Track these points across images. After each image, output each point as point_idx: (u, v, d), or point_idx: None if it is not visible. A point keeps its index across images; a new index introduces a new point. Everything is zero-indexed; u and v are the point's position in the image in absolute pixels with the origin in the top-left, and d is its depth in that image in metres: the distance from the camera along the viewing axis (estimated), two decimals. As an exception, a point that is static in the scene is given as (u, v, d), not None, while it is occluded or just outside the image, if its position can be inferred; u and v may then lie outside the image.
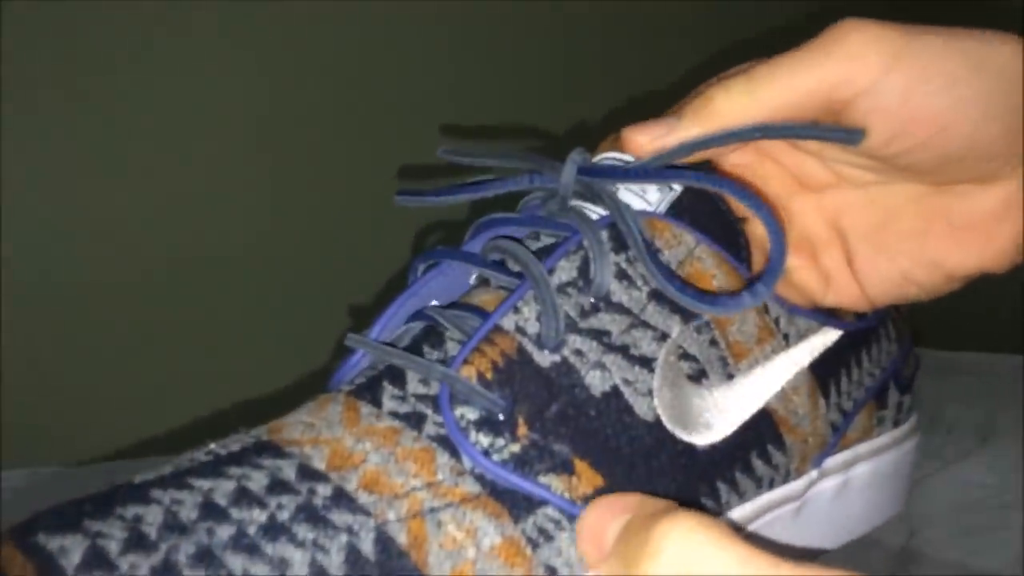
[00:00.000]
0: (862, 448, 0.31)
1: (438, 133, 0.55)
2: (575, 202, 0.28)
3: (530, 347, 0.24)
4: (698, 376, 0.26)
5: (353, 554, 0.20)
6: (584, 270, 0.26)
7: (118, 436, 0.40)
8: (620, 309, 0.25)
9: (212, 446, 0.24)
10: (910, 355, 0.34)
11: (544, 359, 0.24)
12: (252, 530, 0.20)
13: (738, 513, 0.26)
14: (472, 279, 0.29)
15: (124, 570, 0.19)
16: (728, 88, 0.27)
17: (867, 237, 0.30)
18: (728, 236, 0.28)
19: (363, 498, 0.22)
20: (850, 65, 0.26)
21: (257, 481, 0.22)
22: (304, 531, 0.21)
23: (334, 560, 0.20)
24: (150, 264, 0.46)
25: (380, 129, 0.55)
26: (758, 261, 0.30)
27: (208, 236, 0.48)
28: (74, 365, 0.45)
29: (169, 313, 0.47)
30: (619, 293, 0.26)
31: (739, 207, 0.29)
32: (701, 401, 0.26)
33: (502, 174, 0.30)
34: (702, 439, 0.25)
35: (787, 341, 0.28)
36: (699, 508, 0.25)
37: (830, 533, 0.31)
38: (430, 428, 0.23)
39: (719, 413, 0.26)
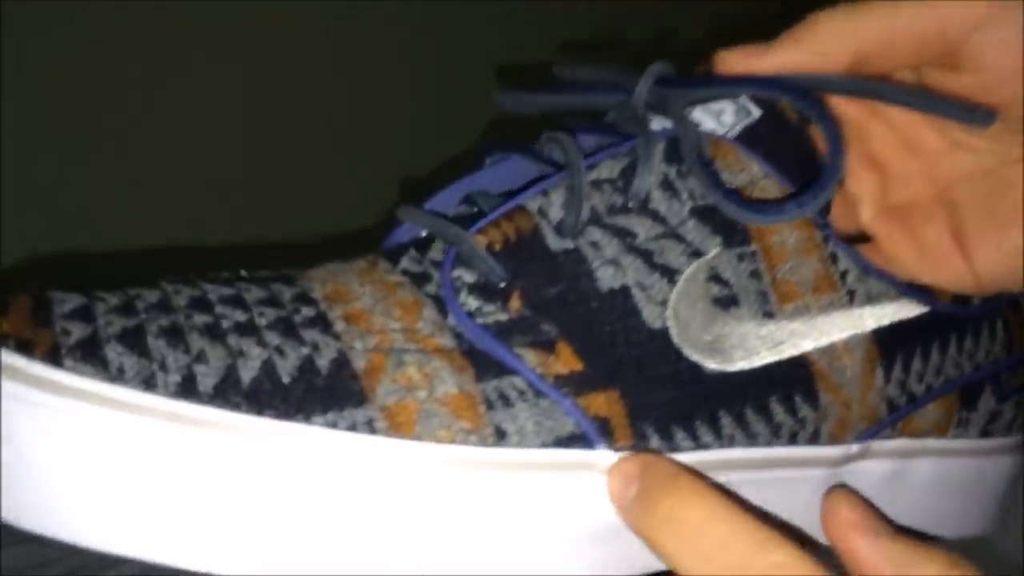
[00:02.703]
0: (931, 444, 0.28)
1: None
2: (648, 115, 0.27)
3: (546, 230, 0.24)
4: (727, 302, 0.24)
5: (307, 364, 0.21)
6: (628, 173, 0.25)
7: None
8: (654, 216, 0.24)
9: (243, 271, 0.26)
10: (1022, 368, 0.30)
11: (557, 243, 0.24)
12: (226, 324, 0.22)
13: (745, 454, 0.24)
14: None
15: (100, 324, 0.21)
16: (831, 13, 0.25)
17: (980, 209, 0.27)
18: (804, 174, 0.27)
19: (339, 326, 0.22)
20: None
21: (255, 295, 0.23)
22: (273, 337, 0.21)
23: (287, 365, 0.21)
24: (197, 108, 0.48)
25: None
26: (838, 216, 0.28)
27: (265, 87, 0.49)
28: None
29: (222, 160, 0.48)
30: (659, 201, 0.25)
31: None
32: (722, 328, 0.24)
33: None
34: (712, 364, 0.24)
35: (851, 299, 0.26)
36: (693, 433, 0.23)
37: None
38: (430, 287, 0.24)
39: (740, 345, 0.24)
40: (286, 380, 0.21)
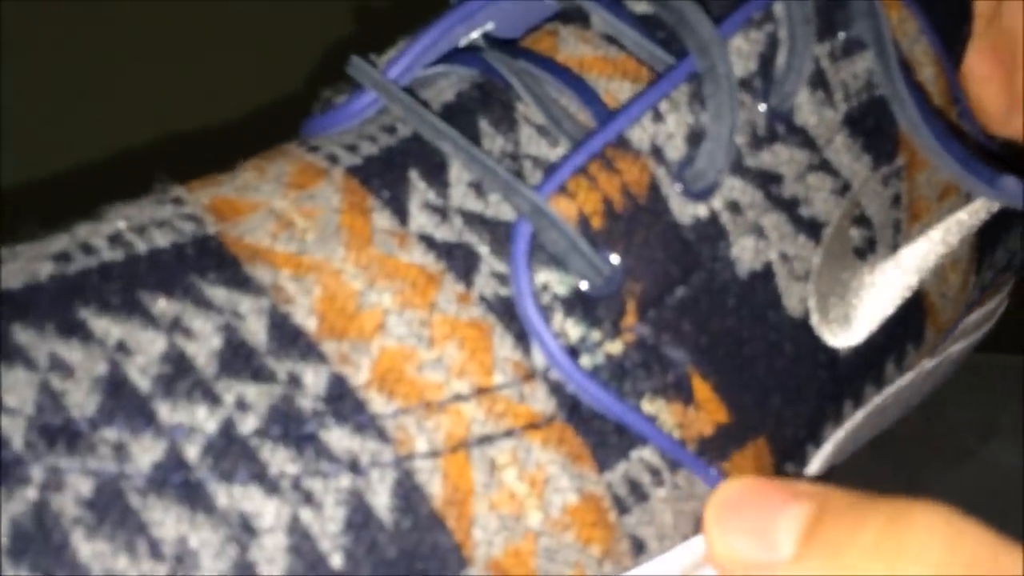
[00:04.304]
0: (968, 321, 0.24)
1: None
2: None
3: (667, 187, 0.15)
4: (865, 249, 0.18)
5: (359, 514, 0.13)
6: (767, 60, 0.16)
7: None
8: (803, 139, 0.16)
9: (120, 225, 0.15)
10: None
11: (684, 211, 0.15)
12: (193, 453, 0.12)
13: (850, 424, 0.20)
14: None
15: None
16: None
17: None
18: (951, 16, 0.19)
19: (377, 404, 0.13)
20: None
21: (203, 342, 0.13)
22: (281, 461, 0.12)
23: (328, 524, 0.12)
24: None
25: None
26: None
27: None
28: None
29: None
30: (807, 110, 0.16)
31: None
32: (858, 287, 0.18)
33: None
34: (845, 339, 0.18)
35: (969, 195, 0.20)
36: (819, 441, 0.18)
37: (888, 419, 0.25)
38: (483, 281, 0.15)
39: (871, 301, 0.18)
40: (337, 562, 0.12)
